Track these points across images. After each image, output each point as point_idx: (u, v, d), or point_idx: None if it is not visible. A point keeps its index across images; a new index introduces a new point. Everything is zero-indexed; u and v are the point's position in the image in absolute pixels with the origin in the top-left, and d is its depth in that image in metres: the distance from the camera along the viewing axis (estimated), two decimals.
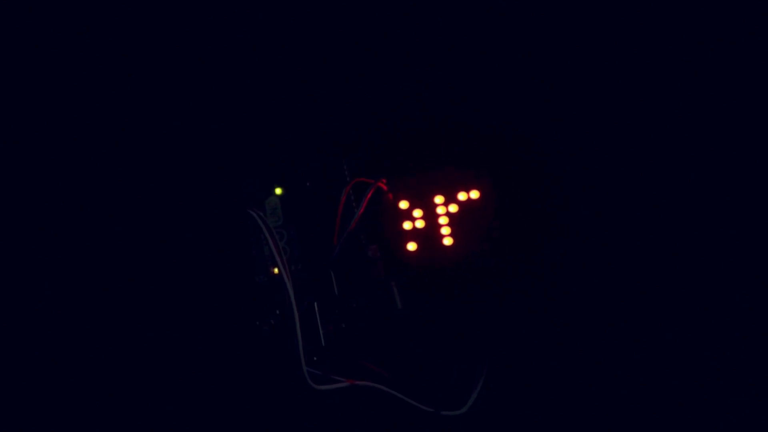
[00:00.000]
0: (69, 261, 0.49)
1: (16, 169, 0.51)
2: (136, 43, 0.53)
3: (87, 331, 0.47)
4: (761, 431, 0.45)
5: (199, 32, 0.53)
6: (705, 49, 0.53)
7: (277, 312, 0.45)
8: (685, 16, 0.53)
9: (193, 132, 0.51)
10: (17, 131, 0.51)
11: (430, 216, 0.47)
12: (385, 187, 0.47)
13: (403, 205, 0.47)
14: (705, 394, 0.46)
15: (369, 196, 0.46)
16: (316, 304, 0.46)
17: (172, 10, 0.53)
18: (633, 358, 0.47)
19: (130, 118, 0.52)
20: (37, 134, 0.51)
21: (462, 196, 0.47)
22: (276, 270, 0.45)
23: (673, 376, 0.47)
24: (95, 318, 0.48)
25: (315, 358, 0.45)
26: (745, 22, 0.53)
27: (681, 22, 0.53)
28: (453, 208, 0.47)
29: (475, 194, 0.47)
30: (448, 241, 0.46)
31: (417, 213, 0.47)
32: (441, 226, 0.47)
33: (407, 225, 0.47)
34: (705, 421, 0.46)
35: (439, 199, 0.47)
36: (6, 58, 0.52)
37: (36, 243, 0.49)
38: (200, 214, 0.49)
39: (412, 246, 0.46)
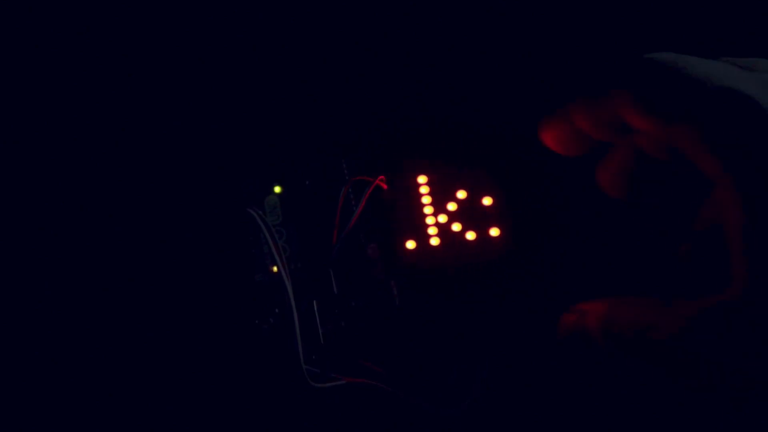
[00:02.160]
0: (69, 261, 0.49)
1: (16, 169, 0.51)
2: (136, 43, 0.53)
3: (87, 331, 0.47)
4: (761, 431, 0.45)
5: (198, 32, 0.53)
6: (705, 49, 0.53)
7: (277, 311, 0.45)
8: (685, 16, 0.53)
9: (192, 131, 0.51)
10: (17, 131, 0.52)
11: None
12: (384, 186, 0.47)
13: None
14: (705, 394, 0.46)
15: (368, 194, 0.46)
16: (315, 302, 0.46)
17: (172, 10, 0.53)
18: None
19: (129, 118, 0.52)
20: (37, 134, 0.51)
21: (461, 194, 0.47)
22: (275, 268, 0.45)
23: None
24: (95, 318, 0.48)
25: (314, 357, 0.45)
26: (745, 22, 0.53)
27: (681, 22, 0.53)
28: (452, 206, 0.47)
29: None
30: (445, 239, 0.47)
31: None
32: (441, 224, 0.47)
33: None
34: (705, 421, 0.45)
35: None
36: (6, 58, 0.52)
37: (36, 243, 0.49)
38: (199, 213, 0.49)
39: (411, 244, 0.46)
